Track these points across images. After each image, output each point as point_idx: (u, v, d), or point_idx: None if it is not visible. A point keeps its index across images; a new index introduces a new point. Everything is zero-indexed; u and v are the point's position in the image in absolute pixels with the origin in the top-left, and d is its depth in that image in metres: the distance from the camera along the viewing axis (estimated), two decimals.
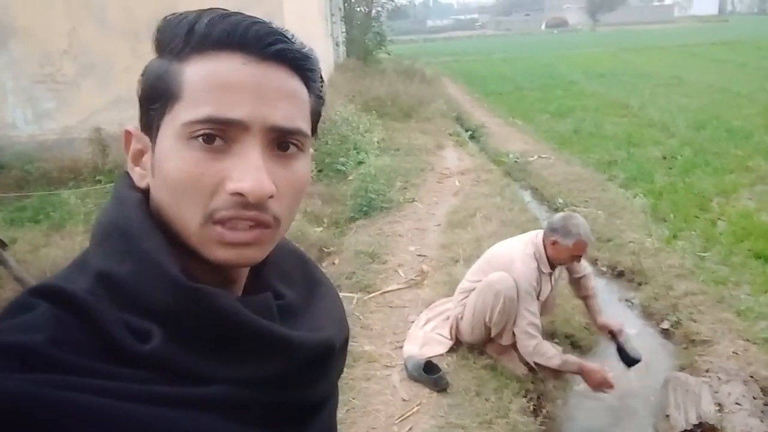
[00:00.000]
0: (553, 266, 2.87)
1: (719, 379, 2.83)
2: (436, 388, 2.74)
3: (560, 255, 2.79)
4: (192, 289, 0.50)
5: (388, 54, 18.98)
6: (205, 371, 0.50)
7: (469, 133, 9.66)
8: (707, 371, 2.93)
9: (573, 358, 2.84)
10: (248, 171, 0.51)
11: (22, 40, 6.23)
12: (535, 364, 2.84)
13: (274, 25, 0.55)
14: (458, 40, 51.92)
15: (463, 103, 12.79)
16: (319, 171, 6.31)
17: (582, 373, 2.78)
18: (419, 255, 4.36)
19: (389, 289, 3.84)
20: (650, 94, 12.14)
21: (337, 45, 16.59)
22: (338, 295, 0.72)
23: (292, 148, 0.55)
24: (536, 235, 2.89)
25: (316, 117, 0.60)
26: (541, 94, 13.48)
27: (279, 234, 0.56)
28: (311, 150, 0.60)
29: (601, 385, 2.75)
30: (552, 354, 2.78)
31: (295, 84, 0.56)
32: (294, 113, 0.55)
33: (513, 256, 2.86)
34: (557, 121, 10.16)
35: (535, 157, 7.56)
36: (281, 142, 0.54)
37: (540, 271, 2.82)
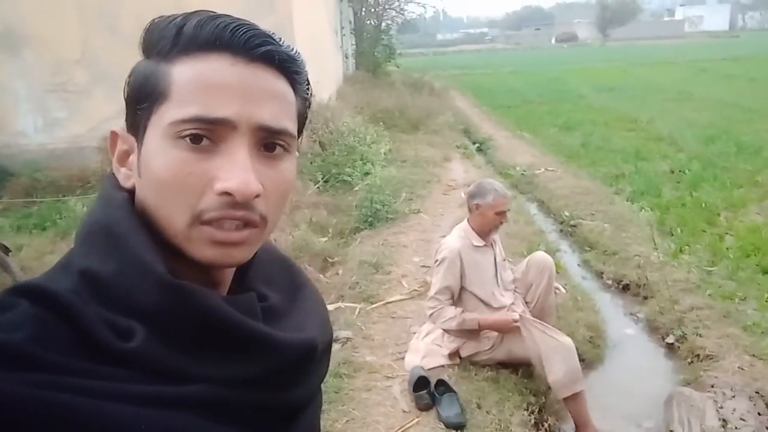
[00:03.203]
0: (484, 237, 2.92)
1: (724, 394, 2.80)
2: (417, 405, 2.69)
3: (486, 217, 2.85)
4: (177, 286, 0.50)
5: (398, 67, 19.13)
6: (187, 370, 0.50)
7: (477, 145, 9.68)
8: (712, 386, 2.89)
9: (470, 316, 2.84)
10: (235, 170, 0.51)
11: (35, 48, 6.32)
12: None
13: (261, 28, 0.55)
14: (468, 53, 52.32)
15: (471, 116, 12.83)
16: (326, 181, 6.31)
17: (483, 327, 2.84)
18: (423, 266, 4.34)
19: (392, 299, 3.82)
20: (659, 108, 12.13)
21: (346, 57, 16.71)
22: (322, 298, 0.71)
23: (279, 149, 0.55)
24: (459, 224, 3.02)
25: (302, 119, 0.60)
26: (549, 107, 13.51)
27: (265, 234, 0.56)
28: (296, 153, 0.60)
29: (507, 328, 2.77)
30: (450, 316, 2.83)
31: (282, 85, 0.56)
32: (280, 113, 0.55)
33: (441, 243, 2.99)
34: (565, 134, 10.17)
35: (542, 170, 7.56)
36: (268, 142, 0.54)
37: (473, 247, 2.89)
